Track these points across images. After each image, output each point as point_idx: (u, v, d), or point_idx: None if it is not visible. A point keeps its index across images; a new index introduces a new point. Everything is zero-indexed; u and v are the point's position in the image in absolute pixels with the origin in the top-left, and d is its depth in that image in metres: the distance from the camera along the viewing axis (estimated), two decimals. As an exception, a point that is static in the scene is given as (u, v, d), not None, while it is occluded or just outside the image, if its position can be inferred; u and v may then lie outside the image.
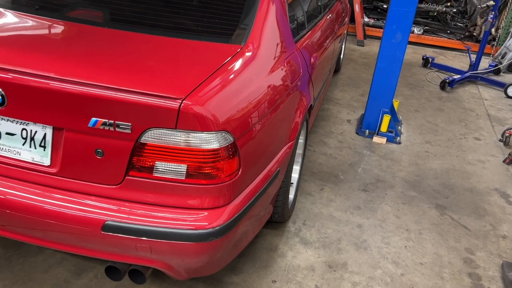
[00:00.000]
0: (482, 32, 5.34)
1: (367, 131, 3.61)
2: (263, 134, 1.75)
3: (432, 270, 2.27)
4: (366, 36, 6.48)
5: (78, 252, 1.65)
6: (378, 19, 6.76)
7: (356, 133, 3.65)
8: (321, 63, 2.76)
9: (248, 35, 1.86)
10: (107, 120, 1.43)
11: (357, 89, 4.62)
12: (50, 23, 1.91)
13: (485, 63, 5.55)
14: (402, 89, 4.74)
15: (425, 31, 6.57)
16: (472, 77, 5.12)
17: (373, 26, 6.61)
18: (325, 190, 2.84)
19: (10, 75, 1.46)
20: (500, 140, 3.76)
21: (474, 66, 5.19)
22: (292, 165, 2.24)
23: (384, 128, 3.55)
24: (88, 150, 1.50)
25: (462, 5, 6.81)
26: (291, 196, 2.46)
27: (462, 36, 6.47)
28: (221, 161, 1.50)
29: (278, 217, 2.30)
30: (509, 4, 6.06)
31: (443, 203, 2.84)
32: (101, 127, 1.44)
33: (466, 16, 6.87)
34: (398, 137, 3.58)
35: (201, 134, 1.45)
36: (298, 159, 2.59)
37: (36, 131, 1.55)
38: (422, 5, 6.68)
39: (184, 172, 1.49)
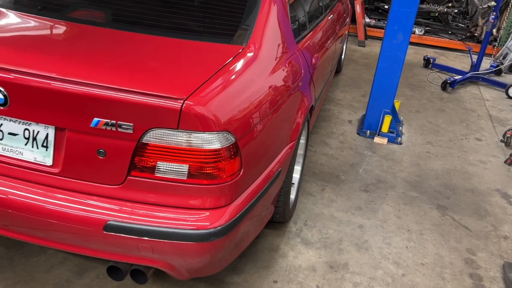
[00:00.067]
0: (484, 32, 5.34)
1: (368, 131, 3.61)
2: (265, 135, 1.76)
3: (433, 270, 2.27)
4: (367, 37, 6.48)
5: (80, 252, 1.65)
6: (379, 20, 6.77)
7: (357, 133, 3.66)
8: (322, 64, 2.76)
9: (250, 36, 1.87)
10: (109, 120, 1.44)
11: (358, 90, 4.62)
12: (52, 24, 1.91)
13: (486, 63, 5.55)
14: (403, 89, 4.74)
15: (426, 32, 6.57)
16: (473, 78, 5.12)
17: (374, 26, 6.62)
18: (326, 191, 2.84)
19: (12, 75, 1.47)
20: (501, 141, 3.76)
21: (475, 66, 5.19)
22: (293, 166, 2.24)
23: (385, 128, 3.55)
24: (90, 150, 1.51)
25: (463, 5, 6.81)
26: (292, 196, 2.47)
27: (464, 36, 6.46)
28: (223, 161, 1.51)
29: (280, 217, 2.30)
30: (510, 4, 6.06)
31: (444, 204, 2.84)
32: (103, 127, 1.45)
33: (467, 16, 6.86)
34: (399, 138, 3.58)
35: (202, 134, 1.45)
36: (299, 159, 2.59)
37: (38, 131, 1.56)
38: (424, 6, 6.68)
39: (186, 172, 1.49)
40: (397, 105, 3.74)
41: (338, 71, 4.94)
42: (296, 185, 2.56)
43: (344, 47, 4.88)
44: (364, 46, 6.24)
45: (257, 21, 1.92)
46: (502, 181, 3.16)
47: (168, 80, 1.55)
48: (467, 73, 5.11)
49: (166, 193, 1.53)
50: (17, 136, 1.58)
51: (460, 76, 4.99)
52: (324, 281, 2.13)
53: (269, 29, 1.96)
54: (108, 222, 1.49)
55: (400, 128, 3.75)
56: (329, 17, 3.26)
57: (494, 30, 5.88)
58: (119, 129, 1.45)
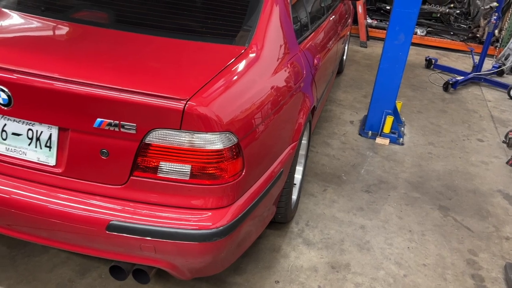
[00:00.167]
0: (486, 33, 5.33)
1: (370, 132, 3.61)
2: (267, 135, 1.76)
3: (435, 271, 2.27)
4: (369, 38, 6.48)
5: (82, 252, 1.66)
6: (381, 21, 6.76)
7: (359, 134, 3.66)
8: (324, 64, 2.77)
9: (252, 37, 1.87)
10: (112, 121, 1.45)
11: (360, 90, 4.62)
12: (55, 24, 1.92)
13: (488, 64, 5.54)
14: (405, 90, 4.74)
15: (428, 33, 6.57)
16: (475, 79, 5.11)
17: (376, 27, 6.62)
18: (328, 191, 2.84)
19: (16, 76, 1.47)
20: (503, 142, 3.75)
21: (477, 67, 5.18)
22: (295, 166, 2.25)
23: (387, 129, 3.55)
24: (93, 150, 1.51)
25: (465, 6, 6.80)
26: (294, 196, 2.47)
27: (465, 37, 6.46)
28: (225, 162, 1.51)
29: (281, 217, 2.31)
30: (512, 5, 6.06)
31: (446, 205, 2.84)
32: (106, 128, 1.45)
33: (469, 17, 6.85)
34: (401, 138, 3.58)
35: (205, 134, 1.46)
36: (301, 160, 2.60)
37: (42, 132, 1.57)
38: (425, 7, 6.67)
39: (188, 173, 1.50)
40: (399, 105, 3.74)
41: (340, 71, 4.95)
42: (298, 186, 2.56)
43: (346, 48, 4.88)
44: (366, 47, 6.24)
45: (259, 22, 1.93)
46: (504, 182, 3.16)
47: (171, 80, 1.56)
48: (469, 74, 5.11)
49: (168, 193, 1.54)
50: (21, 136, 1.59)
51: (462, 77, 4.98)
52: (326, 281, 2.13)
53: (271, 30, 1.97)
54: (110, 222, 1.50)
55: (402, 128, 3.75)
56: (331, 18, 3.27)
57: (496, 31, 5.88)
58: (122, 130, 1.45)
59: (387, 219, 2.63)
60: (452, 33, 6.61)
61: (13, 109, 1.52)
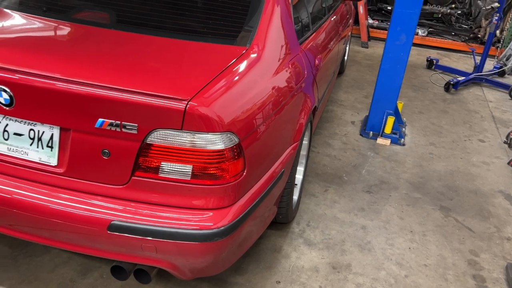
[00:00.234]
0: (487, 34, 5.33)
1: (371, 132, 3.61)
2: (268, 135, 1.76)
3: (436, 271, 2.27)
4: (370, 38, 6.48)
5: (84, 252, 1.66)
6: (382, 21, 6.76)
7: (360, 134, 3.66)
8: (325, 65, 2.77)
9: (253, 37, 1.87)
10: (113, 121, 1.45)
11: (361, 91, 4.62)
12: (57, 25, 1.93)
13: (489, 65, 5.54)
14: (406, 90, 4.74)
15: (429, 33, 6.57)
16: (476, 79, 5.11)
17: (377, 27, 6.62)
18: (329, 192, 2.84)
19: (18, 76, 1.48)
20: (504, 142, 3.75)
21: (478, 68, 5.18)
22: (296, 166, 2.25)
23: (388, 129, 3.55)
24: (94, 150, 1.52)
25: (466, 7, 6.79)
26: (295, 197, 2.47)
27: (467, 38, 6.45)
28: (226, 162, 1.51)
29: (282, 218, 2.31)
30: (514, 6, 6.05)
31: (447, 205, 2.84)
32: (108, 128, 1.46)
33: (470, 18, 6.85)
34: (402, 139, 3.58)
35: (206, 135, 1.46)
36: (302, 160, 2.60)
37: (43, 132, 1.57)
38: (427, 7, 6.67)
39: (190, 173, 1.50)
40: (400, 106, 3.74)
41: (341, 72, 4.95)
42: (299, 186, 2.56)
43: (347, 48, 4.88)
44: (367, 47, 6.24)
45: (260, 22, 1.93)
46: (506, 183, 3.15)
47: (172, 81, 1.56)
48: (470, 74, 5.10)
49: (169, 193, 1.54)
50: (23, 136, 1.59)
51: (463, 78, 4.98)
52: (327, 281, 2.13)
53: (273, 30, 1.97)
54: (112, 222, 1.50)
55: (403, 129, 3.75)
56: (332, 18, 3.27)
57: (498, 32, 5.87)
58: (123, 130, 1.45)
59: (388, 220, 2.63)
60: (453, 33, 6.60)
61: (15, 109, 1.53)
